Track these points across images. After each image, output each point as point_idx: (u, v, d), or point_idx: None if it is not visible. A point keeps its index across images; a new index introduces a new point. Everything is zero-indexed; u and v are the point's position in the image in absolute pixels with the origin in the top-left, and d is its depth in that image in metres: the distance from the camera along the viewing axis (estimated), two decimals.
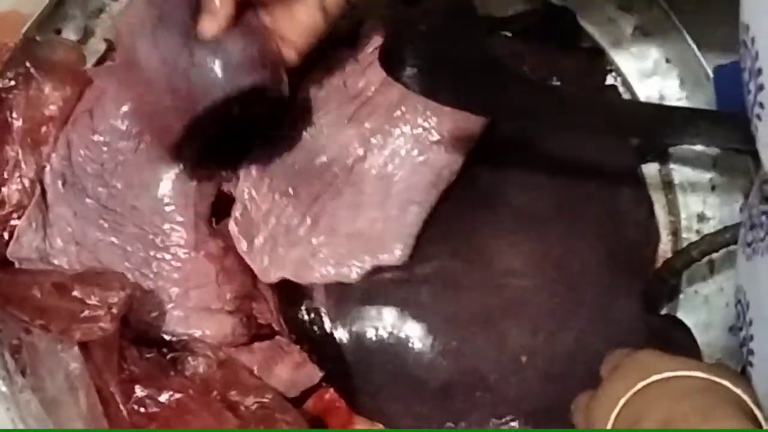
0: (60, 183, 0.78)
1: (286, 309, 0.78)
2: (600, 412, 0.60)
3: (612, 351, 0.67)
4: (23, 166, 0.77)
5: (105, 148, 0.79)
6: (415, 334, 0.76)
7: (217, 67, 0.69)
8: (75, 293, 0.71)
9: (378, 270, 0.76)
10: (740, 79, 0.54)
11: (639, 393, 0.58)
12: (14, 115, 0.77)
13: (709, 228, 0.80)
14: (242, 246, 0.77)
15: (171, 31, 0.69)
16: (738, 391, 0.56)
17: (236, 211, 0.78)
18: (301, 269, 0.77)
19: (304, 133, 0.79)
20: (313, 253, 0.77)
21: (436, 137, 0.78)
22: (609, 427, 0.58)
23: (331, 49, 0.81)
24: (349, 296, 0.77)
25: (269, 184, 0.78)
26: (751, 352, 0.57)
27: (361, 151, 0.79)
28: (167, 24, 0.70)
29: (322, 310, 0.77)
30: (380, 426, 0.76)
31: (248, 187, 0.78)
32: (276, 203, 0.78)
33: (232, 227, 0.78)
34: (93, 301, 0.71)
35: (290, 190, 0.78)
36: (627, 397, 0.58)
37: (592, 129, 0.75)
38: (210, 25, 0.69)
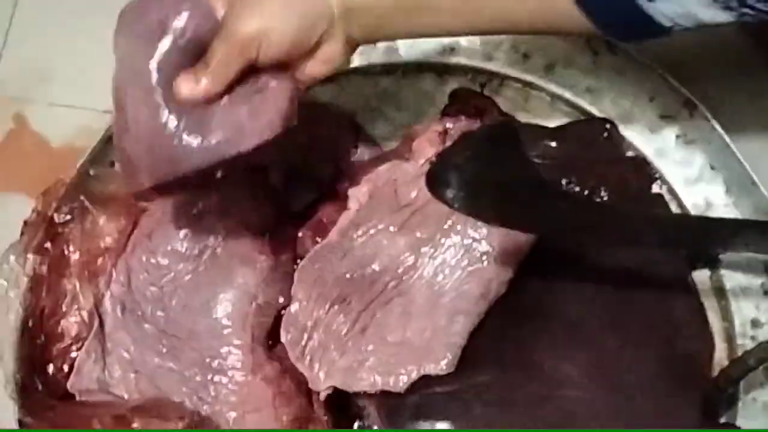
0: (119, 309, 0.79)
1: (339, 428, 0.78)
2: None
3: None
4: (81, 298, 0.78)
5: (164, 271, 0.80)
6: None
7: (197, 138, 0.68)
8: (135, 425, 0.72)
9: (428, 382, 0.76)
10: None
11: None
12: (71, 248, 0.79)
13: (763, 333, 0.80)
14: (294, 353, 0.78)
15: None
16: None
17: (288, 318, 0.79)
18: (349, 377, 0.77)
19: (356, 241, 0.80)
20: (361, 362, 0.77)
21: (485, 248, 0.78)
22: None
23: (383, 161, 0.83)
24: (401, 412, 0.77)
25: (321, 291, 0.79)
26: None
27: (411, 260, 0.79)
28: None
29: (375, 427, 0.77)
30: None
31: (300, 294, 0.79)
32: (327, 311, 0.79)
33: (284, 334, 0.78)
34: None
35: (341, 298, 0.79)
36: None
37: (640, 244, 0.75)
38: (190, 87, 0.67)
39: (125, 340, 0.79)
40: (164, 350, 0.79)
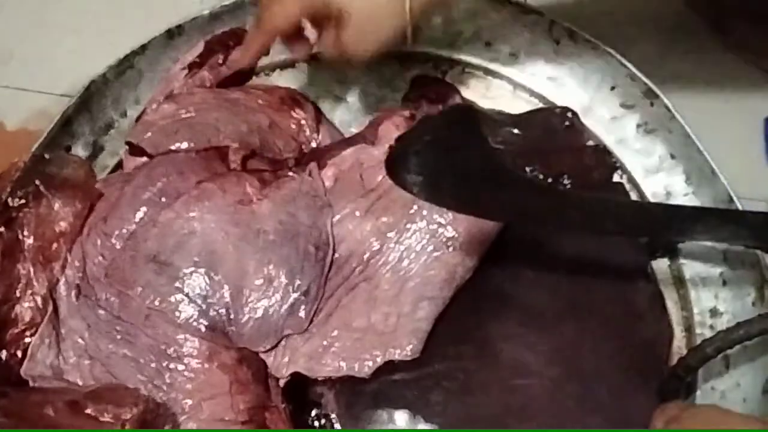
0: (74, 295, 0.78)
1: (296, 416, 0.77)
2: None
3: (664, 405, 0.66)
4: (35, 283, 0.77)
5: (119, 254, 0.79)
6: None
7: None
8: (88, 411, 0.71)
9: (389, 369, 0.76)
10: None
11: None
12: (25, 233, 0.78)
13: (722, 322, 0.80)
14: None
15: None
16: None
17: None
18: (313, 363, 0.77)
19: None
20: (326, 347, 0.77)
21: (451, 234, 0.78)
22: None
23: (348, 145, 0.82)
24: (360, 399, 0.76)
25: None
26: None
27: (376, 245, 0.79)
28: None
29: (333, 415, 0.77)
30: None
31: None
32: None
33: None
34: (106, 418, 0.71)
35: None
36: None
37: (600, 231, 0.75)
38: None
39: (79, 325, 0.78)
40: (118, 336, 0.77)
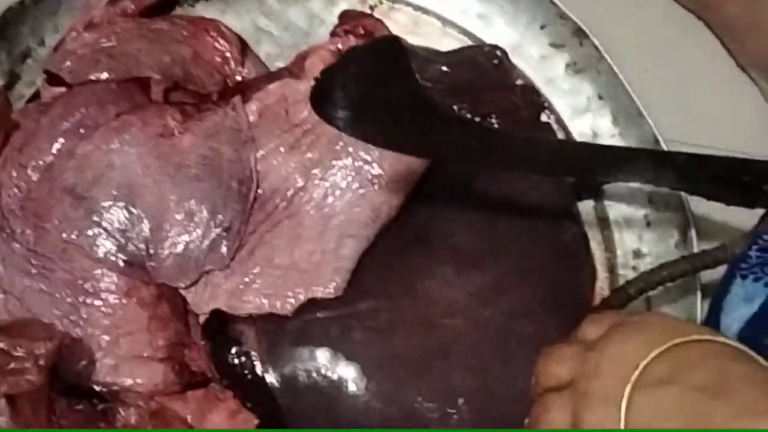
0: None
1: (217, 354, 0.76)
2: (612, 370, 0.58)
3: (597, 312, 0.67)
4: None
5: (36, 186, 0.77)
6: (349, 375, 0.74)
7: None
8: (1, 345, 0.69)
9: (311, 308, 0.75)
10: None
11: (666, 353, 0.56)
12: None
13: (645, 264, 0.81)
14: None
15: None
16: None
17: None
18: (234, 300, 0.76)
19: None
20: (247, 284, 0.76)
21: (377, 171, 0.77)
22: (629, 387, 0.56)
23: (274, 79, 0.81)
24: (281, 338, 0.75)
25: None
26: None
27: (301, 182, 0.78)
28: None
29: (253, 353, 0.76)
30: None
31: None
32: None
33: None
34: (19, 353, 0.69)
35: None
36: (654, 354, 0.56)
37: (527, 169, 0.74)
38: None
39: None
40: (34, 270, 0.76)
